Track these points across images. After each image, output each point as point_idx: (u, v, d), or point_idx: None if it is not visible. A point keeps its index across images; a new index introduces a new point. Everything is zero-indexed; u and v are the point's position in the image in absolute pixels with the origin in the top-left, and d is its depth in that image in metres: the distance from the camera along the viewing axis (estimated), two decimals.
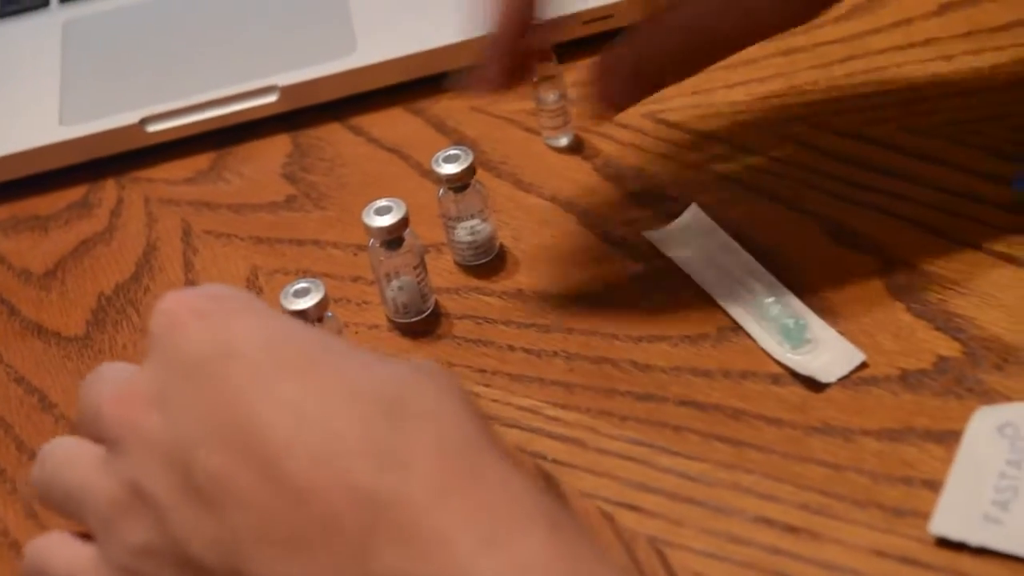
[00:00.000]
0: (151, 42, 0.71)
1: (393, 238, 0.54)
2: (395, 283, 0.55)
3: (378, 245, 0.55)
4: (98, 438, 0.44)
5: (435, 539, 0.37)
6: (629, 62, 0.53)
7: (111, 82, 0.69)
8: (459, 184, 0.56)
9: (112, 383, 0.44)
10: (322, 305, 0.52)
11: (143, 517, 0.41)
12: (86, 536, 0.44)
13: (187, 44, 0.70)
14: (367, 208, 0.54)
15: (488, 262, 0.58)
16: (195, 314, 0.42)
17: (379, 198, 0.55)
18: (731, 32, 0.52)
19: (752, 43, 0.53)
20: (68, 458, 0.45)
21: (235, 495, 0.39)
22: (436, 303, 0.57)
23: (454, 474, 0.38)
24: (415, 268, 0.55)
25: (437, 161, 0.56)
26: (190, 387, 0.41)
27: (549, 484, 0.49)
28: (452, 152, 0.57)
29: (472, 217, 0.57)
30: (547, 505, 0.39)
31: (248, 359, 0.41)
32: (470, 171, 0.56)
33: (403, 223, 0.54)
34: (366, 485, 0.38)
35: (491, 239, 0.58)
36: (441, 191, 0.57)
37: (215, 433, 0.40)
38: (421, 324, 0.56)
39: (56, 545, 0.45)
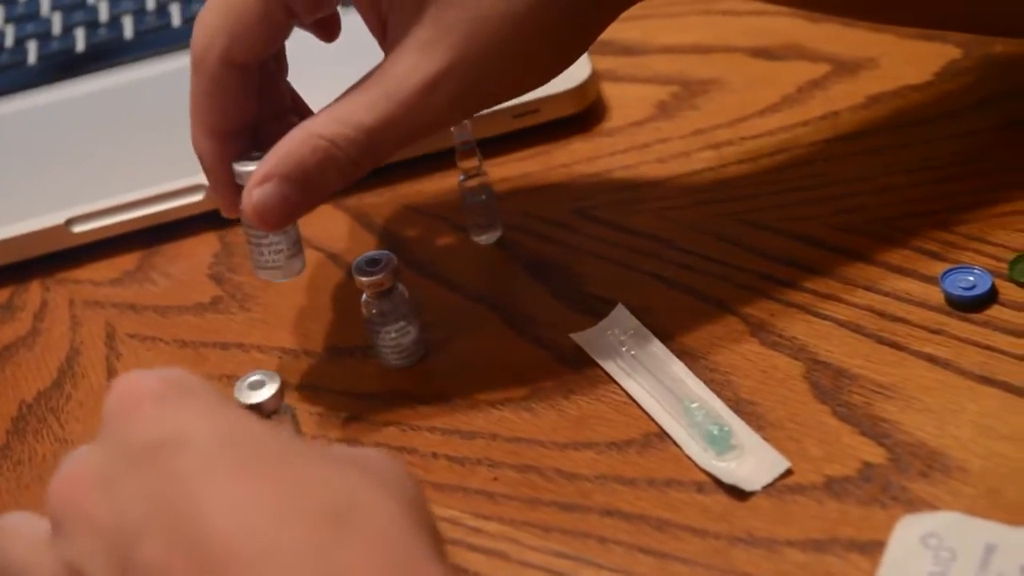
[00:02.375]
0: (78, 140, 0.70)
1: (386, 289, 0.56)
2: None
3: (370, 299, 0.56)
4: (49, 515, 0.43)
5: None
6: (280, 161, 0.53)
7: (37, 181, 0.68)
8: (381, 290, 0.56)
9: (68, 460, 0.42)
10: (277, 397, 0.51)
11: None
12: None
13: (115, 142, 0.70)
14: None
15: (414, 366, 0.57)
16: (150, 397, 0.41)
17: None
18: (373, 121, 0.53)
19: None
20: (15, 532, 0.43)
21: None
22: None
23: None
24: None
25: (358, 267, 0.56)
26: (136, 473, 0.40)
27: None
28: (373, 256, 0.56)
29: (396, 321, 0.56)
30: None
31: (198, 450, 0.40)
32: (391, 276, 0.56)
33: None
34: None
35: (416, 343, 0.57)
36: (364, 296, 0.56)
37: (157, 522, 0.39)
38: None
39: None
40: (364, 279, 0.55)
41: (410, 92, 0.52)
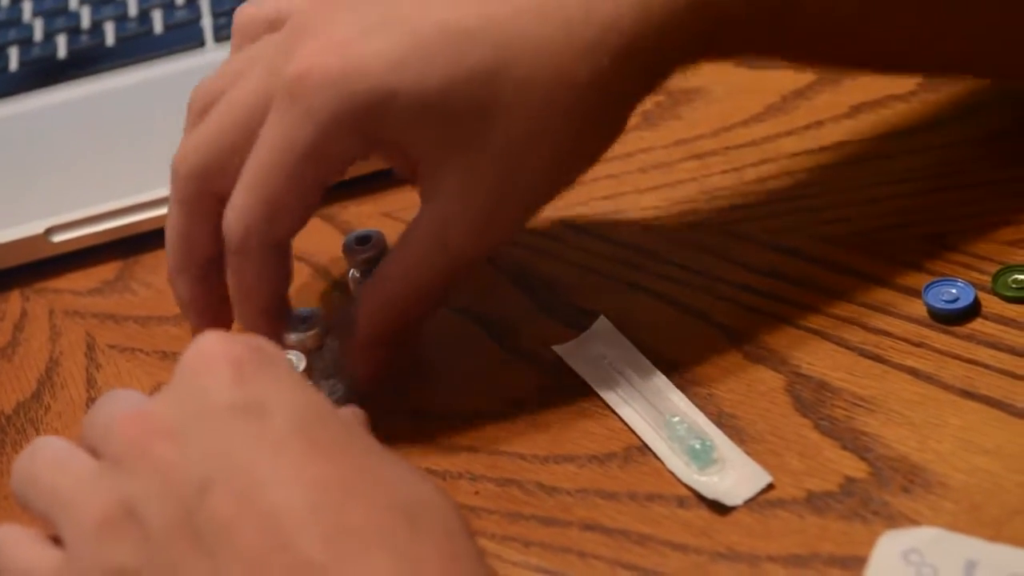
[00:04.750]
0: (58, 149, 0.70)
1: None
2: None
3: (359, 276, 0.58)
4: (97, 452, 0.43)
5: None
6: (360, 346, 0.54)
7: (16, 190, 0.68)
8: (371, 267, 0.56)
9: (131, 404, 0.43)
10: (318, 336, 0.54)
11: (129, 539, 0.40)
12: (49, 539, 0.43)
13: (94, 151, 0.69)
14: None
15: (396, 373, 0.57)
16: (230, 361, 0.42)
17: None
18: (435, 274, 0.53)
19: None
20: (60, 459, 0.44)
21: (236, 547, 0.39)
22: None
23: None
24: None
25: (348, 245, 0.58)
26: (211, 431, 0.41)
27: None
28: (363, 234, 0.58)
29: None
30: None
31: (278, 425, 0.41)
32: (381, 255, 0.57)
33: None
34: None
35: None
36: (351, 272, 0.58)
37: (227, 481, 0.40)
38: None
39: (15, 539, 0.43)
40: (354, 256, 0.57)
41: (459, 242, 0.52)
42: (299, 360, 0.53)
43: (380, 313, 0.54)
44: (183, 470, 0.40)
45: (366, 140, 0.51)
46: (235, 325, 0.55)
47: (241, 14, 0.56)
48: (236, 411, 0.41)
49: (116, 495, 0.41)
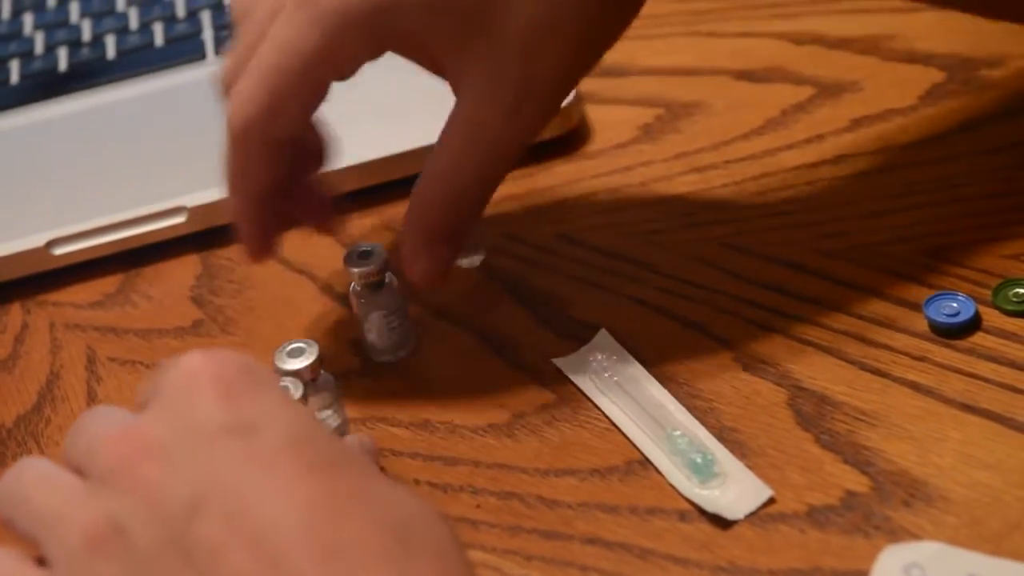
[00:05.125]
0: (59, 161, 0.70)
1: (378, 280, 0.57)
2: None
3: (360, 289, 0.57)
4: (82, 471, 0.42)
5: None
6: (415, 249, 0.55)
7: (17, 203, 0.68)
8: (370, 281, 0.57)
9: (115, 422, 0.43)
10: (315, 366, 0.53)
11: (116, 558, 0.40)
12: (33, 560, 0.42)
13: (96, 164, 0.69)
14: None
15: (394, 390, 0.57)
16: (218, 381, 0.41)
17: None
18: (478, 168, 0.53)
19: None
20: (45, 478, 0.43)
21: (225, 568, 0.38)
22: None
23: None
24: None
25: (349, 258, 0.57)
26: (200, 451, 0.40)
27: None
28: (365, 249, 0.57)
29: (384, 312, 0.57)
30: None
31: (268, 443, 0.40)
32: (382, 268, 0.57)
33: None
34: None
35: (403, 336, 0.58)
36: (352, 285, 0.57)
37: (216, 503, 0.39)
38: None
39: (2, 561, 0.42)
40: (355, 270, 0.57)
41: (496, 131, 0.53)
42: (296, 388, 0.52)
43: (432, 208, 0.54)
44: (171, 490, 0.40)
45: (377, 42, 0.52)
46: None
47: None
48: (225, 430, 0.41)
49: (103, 513, 0.40)
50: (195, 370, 0.42)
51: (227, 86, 0.54)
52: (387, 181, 0.66)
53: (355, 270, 0.57)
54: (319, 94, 0.53)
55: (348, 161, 0.65)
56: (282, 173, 0.55)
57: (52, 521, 0.42)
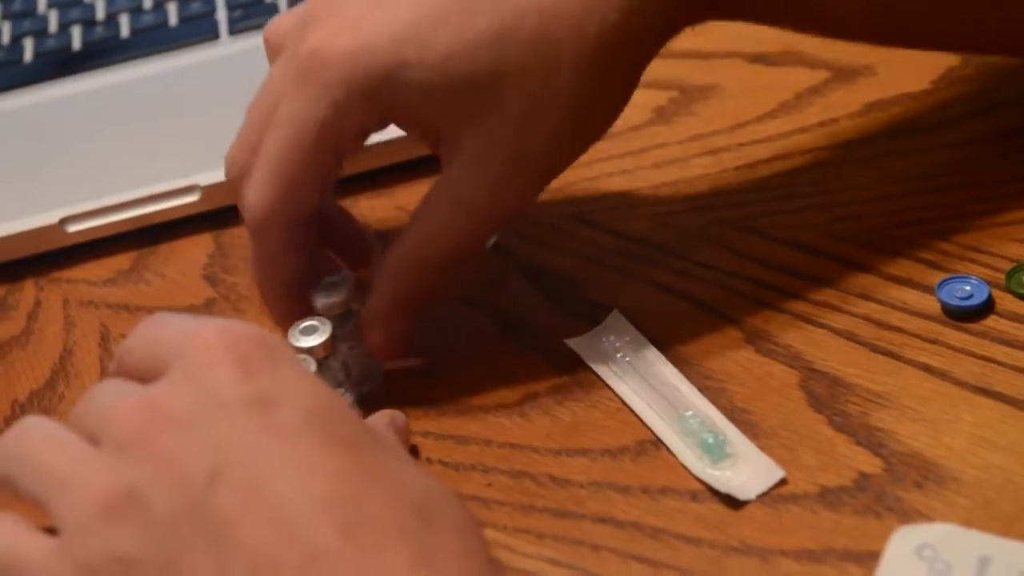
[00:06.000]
0: (73, 139, 0.70)
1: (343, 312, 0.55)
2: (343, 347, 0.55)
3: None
4: (95, 438, 0.42)
5: None
6: (380, 311, 0.54)
7: (31, 180, 0.68)
8: (338, 313, 0.55)
9: (130, 392, 0.43)
10: (328, 344, 0.53)
11: (133, 525, 0.39)
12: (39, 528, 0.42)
13: (109, 141, 0.69)
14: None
15: (408, 369, 0.57)
16: (238, 355, 0.41)
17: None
18: (457, 239, 0.53)
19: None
20: (54, 438, 0.43)
21: (242, 541, 0.38)
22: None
23: None
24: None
25: (316, 289, 0.55)
26: (220, 423, 0.40)
27: None
28: (331, 280, 0.56)
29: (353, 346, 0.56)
30: None
31: (288, 417, 0.40)
32: (348, 300, 0.55)
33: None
34: (395, 568, 0.38)
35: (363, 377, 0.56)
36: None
37: (237, 476, 0.39)
38: None
39: (4, 526, 0.42)
40: (318, 304, 0.55)
41: (478, 207, 0.53)
42: (309, 364, 0.52)
43: (402, 277, 0.54)
44: (190, 461, 0.40)
45: (380, 112, 0.52)
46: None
47: (268, 29, 0.56)
48: (243, 404, 0.41)
49: (119, 479, 0.40)
50: (212, 342, 0.42)
51: (235, 176, 0.54)
52: (401, 162, 0.66)
53: (318, 304, 0.55)
54: (332, 170, 0.53)
55: None
56: (308, 251, 0.55)
57: (63, 482, 0.41)
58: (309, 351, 0.53)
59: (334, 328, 0.54)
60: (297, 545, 0.38)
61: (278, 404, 0.41)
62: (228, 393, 0.41)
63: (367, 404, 0.54)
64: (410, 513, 0.40)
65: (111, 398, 0.43)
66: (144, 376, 0.43)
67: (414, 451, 0.53)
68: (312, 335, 0.53)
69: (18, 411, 0.59)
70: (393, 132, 0.65)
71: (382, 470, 0.41)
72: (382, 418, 0.52)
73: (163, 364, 0.43)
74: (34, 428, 0.44)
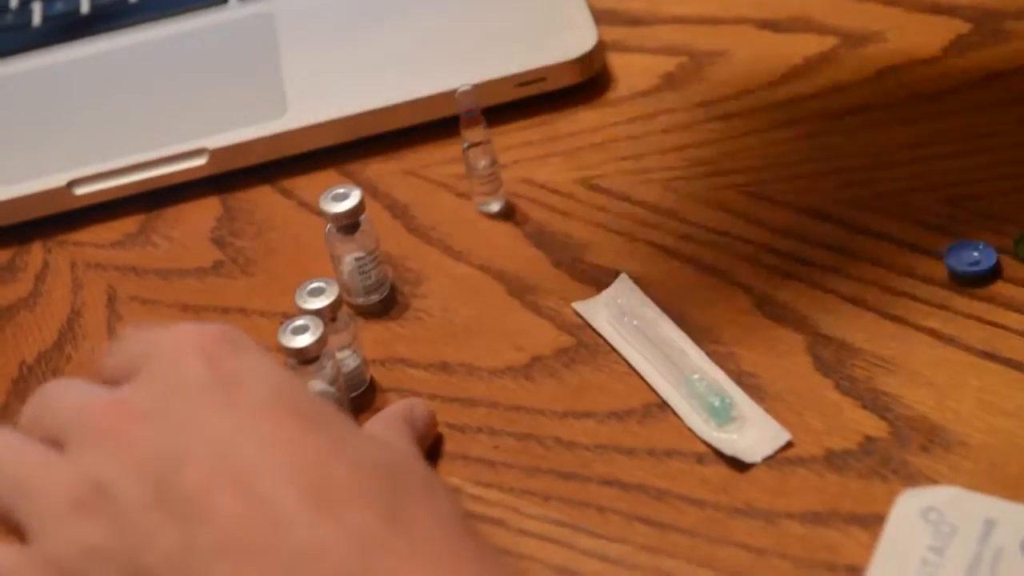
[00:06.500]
0: (81, 102, 0.70)
1: (351, 222, 0.57)
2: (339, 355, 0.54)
3: (335, 231, 0.57)
4: (59, 440, 0.42)
5: None
6: None
7: (39, 143, 0.68)
8: (347, 223, 0.57)
9: (95, 393, 0.43)
10: (320, 343, 0.52)
11: (99, 518, 0.40)
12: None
13: (117, 105, 0.69)
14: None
15: (414, 332, 0.57)
16: (200, 348, 0.42)
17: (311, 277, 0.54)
18: None
19: None
20: (16, 448, 0.43)
21: (210, 512, 0.39)
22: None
23: (451, 547, 0.39)
24: (351, 344, 0.55)
25: (326, 199, 0.57)
26: (183, 408, 0.41)
27: None
28: (341, 191, 0.57)
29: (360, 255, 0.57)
30: None
31: (251, 394, 0.41)
32: (357, 211, 0.57)
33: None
34: (364, 528, 0.38)
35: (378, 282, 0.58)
36: (328, 227, 0.57)
37: (201, 451, 0.40)
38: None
39: None
40: (330, 211, 0.56)
41: None
42: (316, 327, 0.52)
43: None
44: (156, 447, 0.40)
45: None
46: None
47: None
48: (208, 387, 0.41)
49: (84, 476, 0.41)
50: (179, 341, 0.43)
51: None
52: (409, 126, 0.66)
53: (329, 211, 0.57)
54: None
55: (371, 105, 0.65)
56: None
57: (29, 488, 0.42)
58: (316, 313, 0.53)
59: (341, 238, 0.56)
60: (263, 512, 0.39)
61: (241, 384, 0.41)
62: (193, 381, 0.42)
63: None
64: (375, 477, 0.40)
65: (77, 399, 0.43)
66: (116, 381, 0.44)
67: (438, 443, 0.53)
68: (319, 297, 0.53)
69: (25, 372, 0.59)
70: (398, 96, 0.65)
71: (344, 441, 0.41)
72: (401, 409, 0.52)
73: (134, 368, 0.44)
74: (3, 440, 0.44)
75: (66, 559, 0.40)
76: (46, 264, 0.64)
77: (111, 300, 0.62)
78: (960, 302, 0.53)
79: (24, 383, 0.59)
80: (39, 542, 0.41)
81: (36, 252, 0.65)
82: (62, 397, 0.44)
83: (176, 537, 0.39)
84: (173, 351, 0.43)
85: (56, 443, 0.43)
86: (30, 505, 0.41)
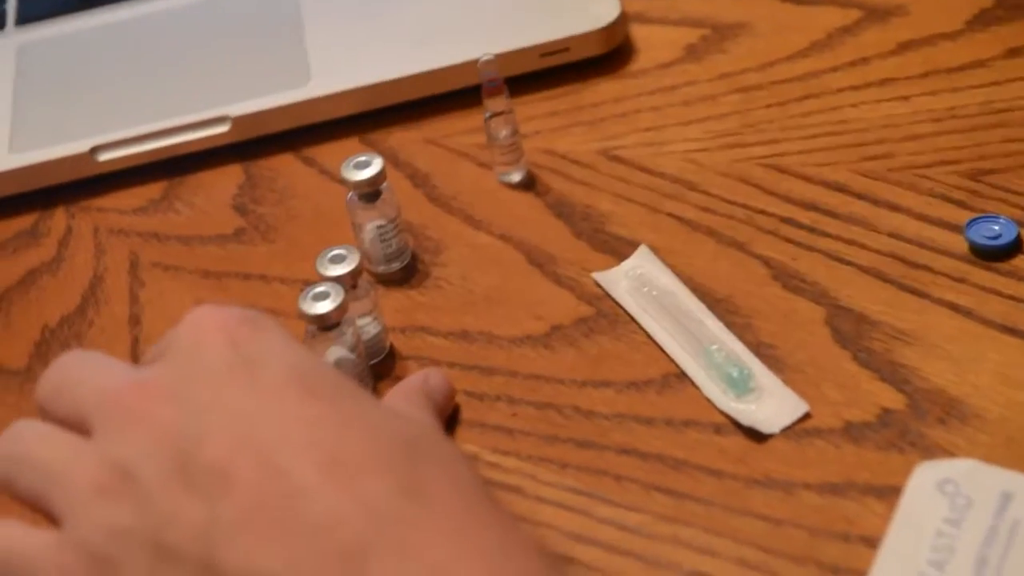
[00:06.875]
0: (105, 69, 0.70)
1: (373, 190, 0.57)
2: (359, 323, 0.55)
3: (356, 198, 0.57)
4: (84, 423, 0.43)
5: (439, 569, 0.38)
6: None
7: (63, 109, 0.68)
8: (368, 192, 0.57)
9: (117, 373, 0.44)
10: (340, 310, 0.52)
11: (125, 500, 0.41)
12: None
13: (141, 72, 0.70)
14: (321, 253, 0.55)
15: (434, 300, 0.57)
16: (223, 330, 0.43)
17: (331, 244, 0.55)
18: None
19: None
20: (46, 436, 0.44)
21: (231, 486, 0.39)
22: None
23: (469, 516, 0.40)
24: (371, 311, 0.55)
25: (347, 167, 0.57)
26: (206, 387, 0.42)
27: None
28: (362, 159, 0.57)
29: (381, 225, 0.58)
30: (556, 565, 0.42)
31: (272, 374, 0.42)
32: (379, 180, 0.57)
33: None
34: (378, 499, 0.39)
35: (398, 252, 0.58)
36: (350, 194, 0.58)
37: (223, 428, 0.41)
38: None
39: (5, 529, 0.43)
40: (351, 179, 0.57)
41: None
42: (336, 294, 0.52)
43: None
44: (179, 427, 0.41)
45: None
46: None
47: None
48: (230, 368, 0.42)
49: (110, 460, 0.41)
50: (202, 322, 0.44)
51: None
52: (432, 95, 0.66)
53: (351, 179, 0.57)
54: None
55: (394, 74, 0.65)
56: None
57: (59, 475, 0.42)
58: (337, 280, 0.53)
59: (362, 206, 0.57)
60: (280, 485, 0.39)
61: (262, 365, 0.42)
62: (215, 363, 0.42)
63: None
64: (392, 448, 0.41)
65: (102, 378, 0.44)
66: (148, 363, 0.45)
67: (456, 411, 0.53)
68: (340, 264, 0.54)
69: (48, 336, 0.60)
70: (420, 65, 0.65)
71: (362, 414, 0.42)
72: (418, 380, 0.53)
73: (159, 351, 0.45)
74: (27, 430, 0.45)
75: (95, 542, 0.41)
76: (69, 229, 0.65)
77: (133, 266, 0.62)
78: (980, 275, 0.53)
79: (46, 346, 0.59)
80: (70, 527, 0.42)
81: (59, 217, 0.65)
82: (83, 372, 0.45)
83: (199, 513, 0.39)
84: (196, 333, 0.43)
85: (81, 425, 0.43)
86: (60, 492, 0.42)
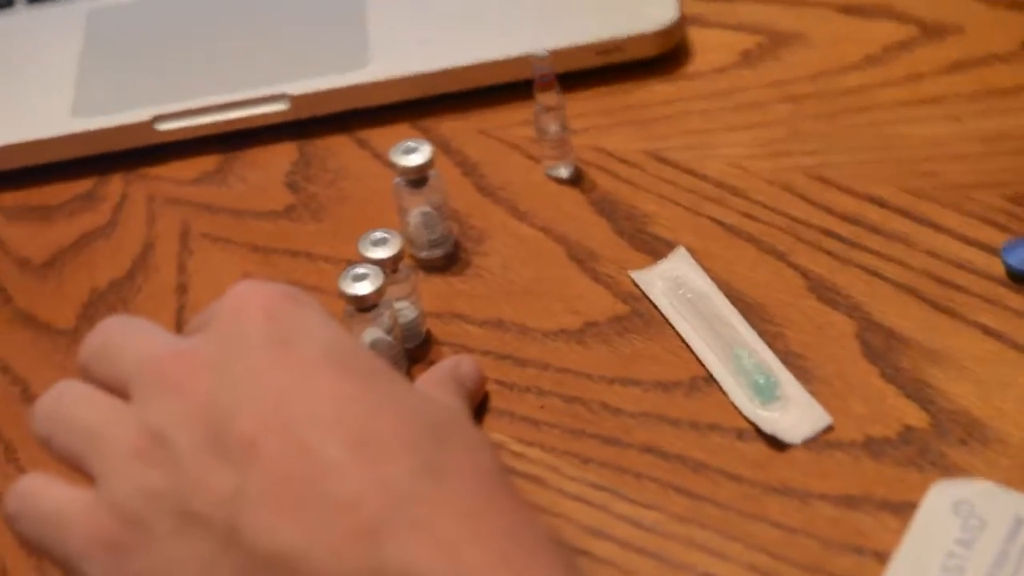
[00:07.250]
0: (170, 39, 0.72)
1: (420, 177, 0.58)
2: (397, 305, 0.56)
3: (403, 184, 0.59)
4: (126, 388, 0.45)
5: (450, 547, 0.39)
6: None
7: (126, 77, 0.70)
8: (415, 178, 0.58)
9: (161, 342, 0.45)
10: (379, 292, 0.53)
11: (158, 465, 0.42)
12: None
13: (204, 44, 0.71)
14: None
15: (473, 288, 0.58)
16: (264, 304, 0.44)
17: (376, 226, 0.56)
18: None
19: None
20: (88, 398, 0.46)
21: (260, 458, 0.41)
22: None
23: (486, 500, 0.41)
24: (410, 295, 0.56)
25: (396, 152, 0.58)
26: (242, 361, 0.43)
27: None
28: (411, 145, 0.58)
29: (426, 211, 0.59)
30: (567, 555, 0.42)
31: (306, 351, 0.43)
32: (426, 167, 0.58)
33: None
34: (399, 479, 0.40)
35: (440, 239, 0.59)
36: (396, 179, 0.59)
37: (254, 403, 0.42)
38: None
39: (44, 485, 0.45)
40: (399, 164, 0.58)
41: None
42: (377, 276, 0.53)
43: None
44: (213, 397, 0.42)
45: None
46: None
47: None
48: (266, 342, 0.43)
49: (147, 426, 0.43)
50: (243, 297, 0.45)
51: None
52: (485, 86, 0.67)
53: (398, 164, 0.58)
54: None
55: (451, 63, 0.66)
56: None
57: (97, 437, 0.44)
58: (378, 263, 0.54)
59: (409, 192, 0.58)
60: (308, 460, 0.40)
61: (298, 342, 0.43)
62: (254, 337, 0.43)
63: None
64: (418, 432, 0.42)
65: (144, 346, 0.45)
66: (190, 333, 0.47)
67: (486, 399, 0.54)
68: (382, 247, 0.55)
69: (96, 298, 0.61)
70: (478, 55, 0.66)
71: (392, 396, 0.43)
72: (450, 366, 0.54)
73: (203, 322, 0.46)
74: (69, 390, 0.46)
75: (127, 503, 0.42)
76: (124, 196, 0.66)
77: (184, 235, 0.63)
78: (1015, 299, 0.54)
79: (94, 309, 0.61)
80: (104, 487, 0.43)
81: (116, 183, 0.67)
82: (125, 338, 0.46)
83: (226, 482, 0.41)
84: (237, 307, 0.44)
85: (121, 389, 0.45)
86: (98, 452, 0.44)
